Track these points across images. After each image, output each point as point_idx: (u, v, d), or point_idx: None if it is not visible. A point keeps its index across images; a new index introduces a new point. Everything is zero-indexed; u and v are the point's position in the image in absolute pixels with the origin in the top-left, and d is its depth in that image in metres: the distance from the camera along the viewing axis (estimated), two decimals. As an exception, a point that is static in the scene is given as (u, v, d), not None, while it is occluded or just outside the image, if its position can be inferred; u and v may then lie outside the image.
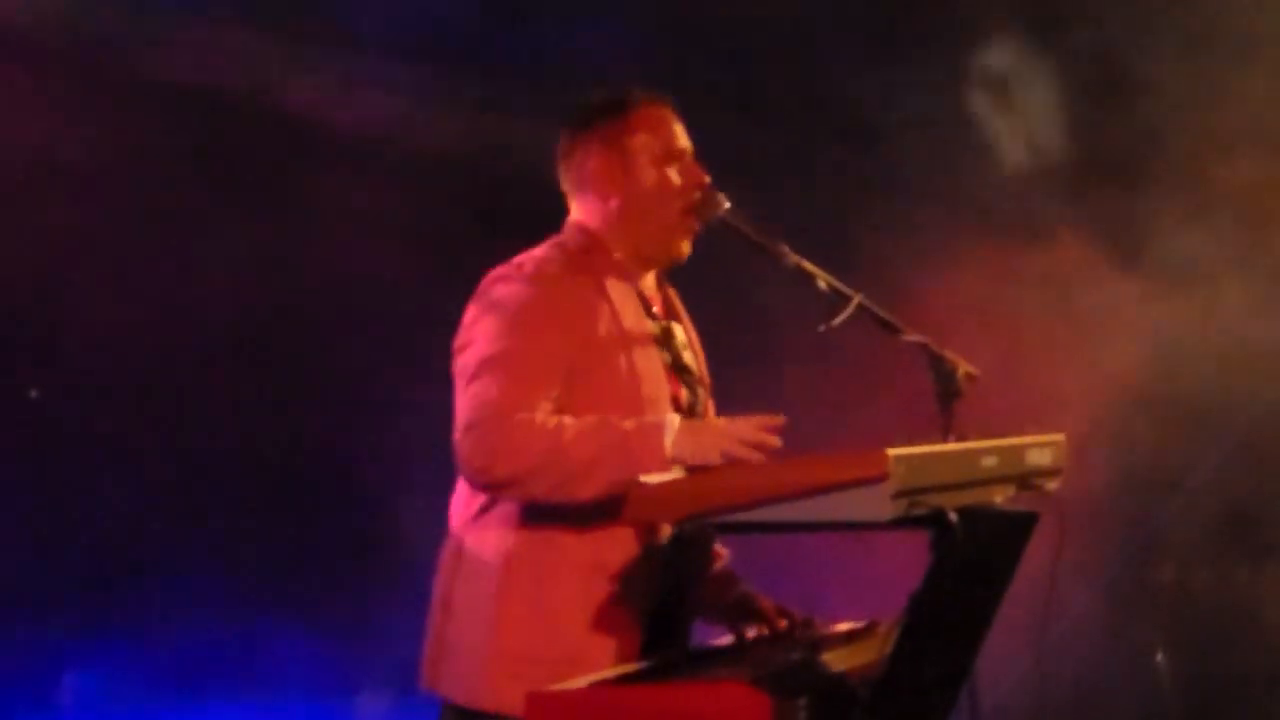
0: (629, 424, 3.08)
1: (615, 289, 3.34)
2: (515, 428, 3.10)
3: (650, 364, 3.33)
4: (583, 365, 3.23)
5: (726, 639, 3.45)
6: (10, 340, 5.59)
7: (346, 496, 5.86)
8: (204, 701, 5.74)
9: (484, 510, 3.27)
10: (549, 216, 3.50)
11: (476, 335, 3.25)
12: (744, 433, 3.01)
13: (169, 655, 5.63)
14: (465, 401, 3.18)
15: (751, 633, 3.44)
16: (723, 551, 3.56)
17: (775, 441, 3.00)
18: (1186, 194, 5.71)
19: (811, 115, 6.08)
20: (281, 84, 5.73)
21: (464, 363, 3.24)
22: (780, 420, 3.01)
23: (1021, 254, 5.77)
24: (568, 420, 3.11)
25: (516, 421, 3.10)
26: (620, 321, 3.31)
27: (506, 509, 3.23)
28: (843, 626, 3.39)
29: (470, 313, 3.31)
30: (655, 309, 3.45)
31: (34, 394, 5.74)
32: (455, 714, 3.28)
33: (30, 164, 5.38)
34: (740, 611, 3.48)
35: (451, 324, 3.34)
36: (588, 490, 3.07)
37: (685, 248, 3.42)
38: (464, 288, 3.37)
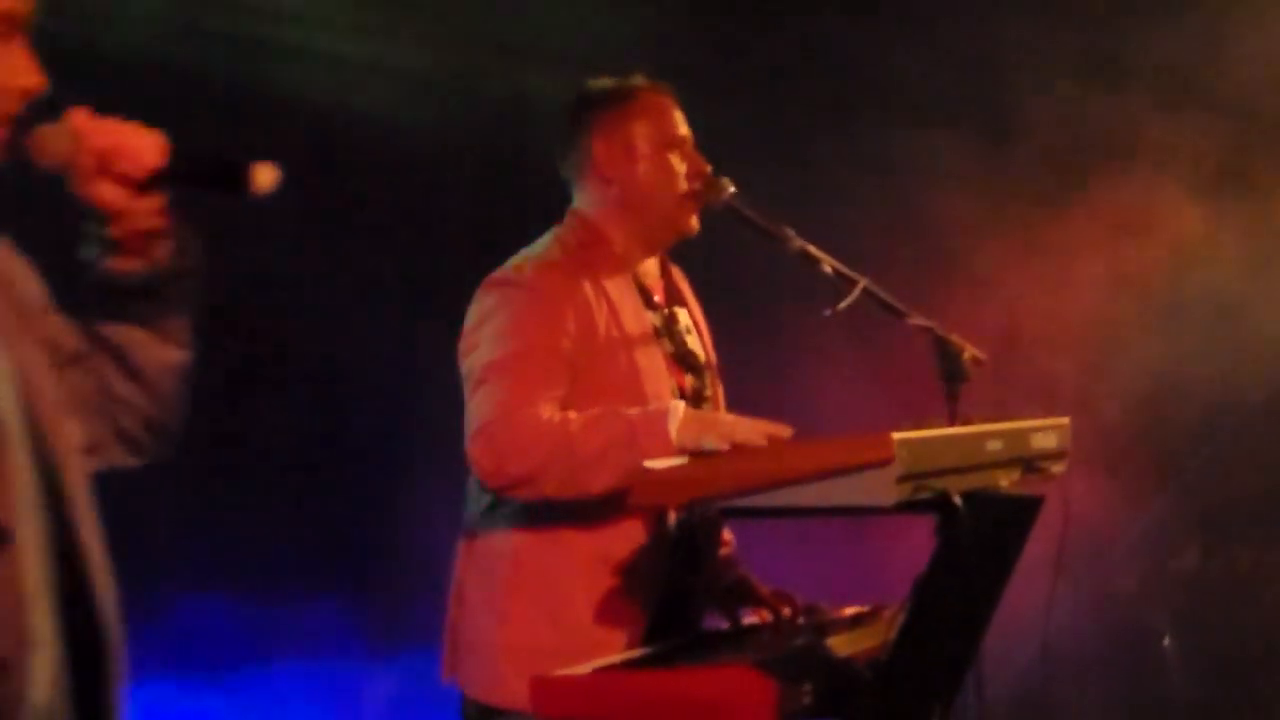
0: (634, 413, 3.09)
1: (613, 286, 3.34)
2: (521, 426, 3.10)
3: (651, 360, 3.33)
4: (584, 366, 3.23)
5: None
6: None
7: (356, 477, 5.85)
8: (214, 685, 5.74)
9: (493, 505, 3.28)
10: (552, 204, 3.49)
11: (480, 340, 3.25)
12: (750, 423, 3.01)
13: (181, 639, 5.63)
14: (472, 407, 3.19)
15: (750, 618, 3.44)
16: (729, 538, 3.56)
17: (786, 431, 2.99)
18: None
19: (820, 101, 6.06)
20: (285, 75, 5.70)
21: (469, 368, 3.25)
22: (787, 431, 2.99)
23: (1030, 232, 5.75)
24: (573, 415, 3.12)
25: (522, 420, 3.10)
26: (619, 319, 3.31)
27: (514, 504, 3.23)
28: (848, 611, 3.39)
29: (473, 316, 3.31)
30: (657, 297, 3.45)
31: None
32: (474, 708, 3.30)
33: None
34: (735, 596, 3.47)
35: (455, 311, 3.35)
36: (598, 482, 3.07)
37: (693, 223, 3.41)
38: (469, 277, 3.37)
